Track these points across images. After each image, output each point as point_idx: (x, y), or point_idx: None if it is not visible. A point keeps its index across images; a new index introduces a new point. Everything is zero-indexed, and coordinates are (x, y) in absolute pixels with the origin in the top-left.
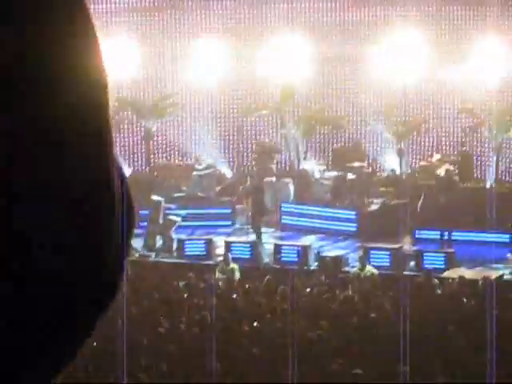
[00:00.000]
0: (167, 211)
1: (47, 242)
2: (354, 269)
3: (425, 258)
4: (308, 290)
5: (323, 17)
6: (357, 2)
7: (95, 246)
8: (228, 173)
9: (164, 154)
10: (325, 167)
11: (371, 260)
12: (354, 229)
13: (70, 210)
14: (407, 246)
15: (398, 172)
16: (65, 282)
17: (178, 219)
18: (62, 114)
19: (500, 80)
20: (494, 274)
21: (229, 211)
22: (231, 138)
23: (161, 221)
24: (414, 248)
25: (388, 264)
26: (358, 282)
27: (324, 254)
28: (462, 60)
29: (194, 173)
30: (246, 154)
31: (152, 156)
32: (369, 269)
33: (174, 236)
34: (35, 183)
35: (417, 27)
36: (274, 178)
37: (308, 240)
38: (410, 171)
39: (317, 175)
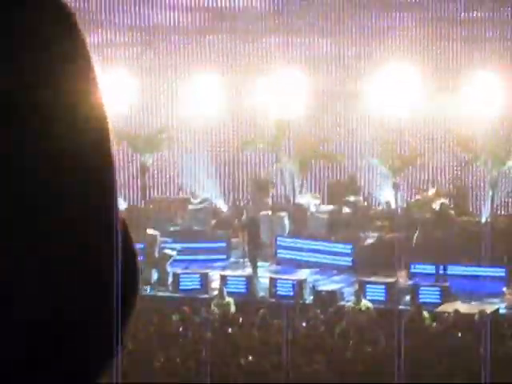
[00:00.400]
0: (163, 245)
1: (49, 300)
2: (350, 303)
3: (420, 292)
4: (303, 324)
5: (320, 51)
6: (353, 37)
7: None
8: (223, 206)
9: (159, 188)
10: (320, 201)
11: (367, 294)
12: (350, 263)
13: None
14: (403, 280)
15: (393, 206)
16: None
17: (174, 253)
18: (63, 166)
19: (495, 114)
20: (489, 309)
21: (224, 245)
22: (227, 171)
23: (156, 254)
24: (410, 282)
25: (383, 298)
26: (353, 317)
27: (319, 289)
28: (457, 94)
29: (190, 206)
30: (241, 187)
31: (147, 190)
32: (364, 303)
33: (170, 270)
34: (34, 239)
35: (413, 62)
36: (269, 212)
37: (303, 274)
38: (405, 205)
39: (312, 209)
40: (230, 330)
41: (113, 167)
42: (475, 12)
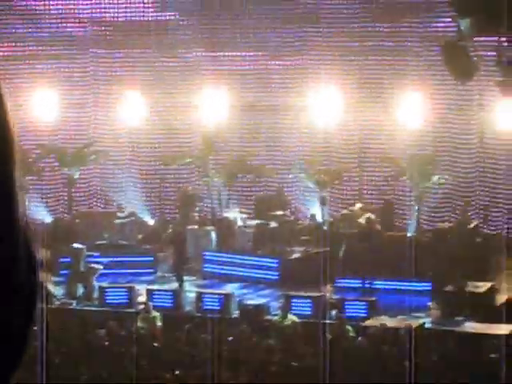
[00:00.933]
0: (89, 259)
1: None
2: (276, 317)
3: (346, 306)
4: (230, 338)
5: (245, 65)
6: (279, 50)
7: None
8: (150, 221)
9: (86, 202)
10: (247, 215)
11: (293, 308)
12: (276, 277)
13: None
14: (329, 294)
15: (319, 220)
16: None
17: (100, 267)
18: None
19: (421, 130)
20: (415, 323)
21: (151, 259)
22: (153, 185)
23: (82, 268)
24: (336, 296)
25: (310, 312)
26: (279, 331)
27: (246, 303)
28: (383, 109)
29: (116, 220)
30: (168, 201)
31: (74, 203)
32: (290, 317)
33: (96, 284)
34: None
35: (340, 76)
36: (196, 226)
37: (230, 288)
38: (331, 219)
39: (239, 223)
40: (156, 344)
41: (9, 167)
42: (401, 25)
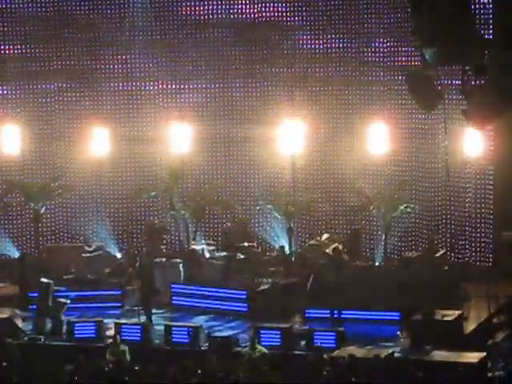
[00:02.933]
0: (56, 293)
1: None
2: (246, 349)
3: (315, 336)
4: (199, 371)
5: (211, 97)
6: (244, 83)
7: None
8: (117, 254)
9: (53, 237)
10: (214, 247)
11: (262, 339)
12: (245, 309)
13: None
14: (298, 325)
15: (287, 251)
16: None
17: (68, 301)
18: None
19: (387, 159)
20: (384, 352)
21: (119, 293)
22: (120, 219)
23: (50, 303)
24: (305, 327)
25: (279, 343)
26: (248, 362)
27: (215, 335)
28: (350, 140)
29: (83, 255)
30: (135, 234)
31: (41, 238)
32: (260, 348)
33: (64, 318)
34: None
35: (306, 108)
36: (163, 259)
37: (199, 320)
38: (299, 250)
39: (207, 255)
40: (126, 378)
41: None
42: (367, 55)
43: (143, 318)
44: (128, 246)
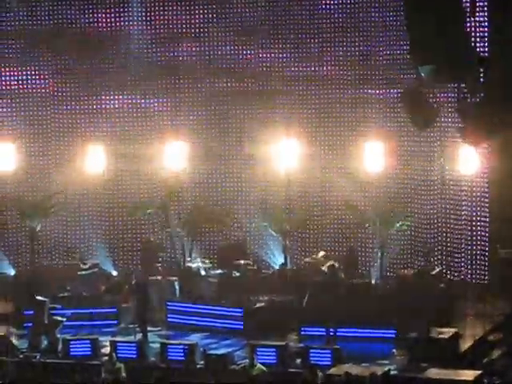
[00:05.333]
0: (52, 311)
1: None
2: (242, 365)
3: (311, 354)
4: None
5: (207, 115)
6: (243, 98)
7: None
8: (113, 272)
9: (48, 254)
10: (210, 265)
11: (258, 357)
12: (241, 326)
13: None
14: (293, 342)
15: (283, 269)
16: None
17: (63, 319)
18: None
19: (383, 177)
20: (379, 370)
21: (114, 310)
22: (116, 236)
23: (46, 321)
24: (300, 345)
25: (274, 361)
26: (246, 380)
27: (210, 352)
28: (345, 157)
29: (79, 272)
30: (131, 252)
31: (36, 255)
32: (258, 366)
33: (59, 336)
34: None
35: (302, 125)
36: (159, 277)
37: (194, 338)
38: (295, 268)
39: (202, 273)
40: None
41: None
42: (362, 73)
43: (139, 336)
44: (123, 264)
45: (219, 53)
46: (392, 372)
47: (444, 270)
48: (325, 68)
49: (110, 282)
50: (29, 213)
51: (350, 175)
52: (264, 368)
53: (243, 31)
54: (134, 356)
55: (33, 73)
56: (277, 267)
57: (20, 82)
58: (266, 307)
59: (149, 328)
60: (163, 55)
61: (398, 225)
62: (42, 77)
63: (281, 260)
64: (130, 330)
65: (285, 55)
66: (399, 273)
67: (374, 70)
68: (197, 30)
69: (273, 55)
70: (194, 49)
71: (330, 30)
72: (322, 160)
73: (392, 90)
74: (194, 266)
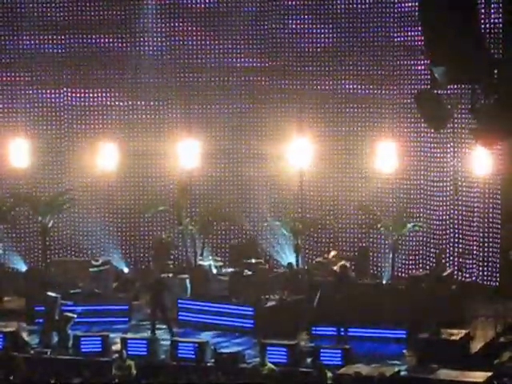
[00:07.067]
0: (63, 308)
1: None
2: (253, 364)
3: (321, 354)
4: None
5: (219, 113)
6: (253, 101)
7: None
8: (124, 269)
9: (60, 250)
10: (222, 263)
11: (268, 356)
12: (251, 325)
13: None
14: (304, 342)
15: (294, 268)
16: None
17: (75, 316)
18: None
19: (395, 177)
20: (390, 371)
21: (125, 307)
22: (128, 233)
23: (57, 317)
24: (311, 344)
25: (285, 360)
26: (257, 379)
27: (221, 351)
28: (358, 158)
29: (91, 269)
30: (142, 249)
31: (48, 252)
32: (269, 366)
33: (70, 332)
34: None
35: (315, 125)
36: (170, 274)
37: (205, 336)
38: (306, 267)
39: (214, 271)
40: None
41: None
42: (376, 73)
43: (149, 333)
44: (135, 261)
45: (230, 51)
46: (402, 373)
47: (455, 272)
48: (340, 67)
49: (122, 278)
50: (41, 209)
51: (363, 175)
52: (274, 367)
53: (254, 29)
54: (145, 353)
55: (45, 69)
56: (285, 266)
57: (34, 76)
58: (277, 306)
59: (159, 326)
60: (174, 54)
61: (410, 226)
62: (56, 72)
63: (292, 259)
64: (140, 327)
65: (299, 54)
66: (411, 273)
67: (390, 70)
68: (208, 29)
69: (287, 54)
70: (205, 46)
71: (345, 28)
72: (335, 160)
73: (406, 91)
74: (205, 264)
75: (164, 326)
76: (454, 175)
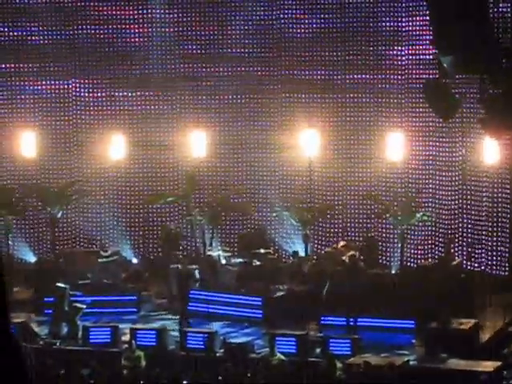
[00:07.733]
0: (72, 298)
1: None
2: (262, 353)
3: (331, 344)
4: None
5: (228, 103)
6: (261, 88)
7: None
8: (134, 259)
9: (69, 241)
10: (230, 254)
11: (277, 346)
12: (260, 315)
13: None
14: (313, 332)
15: (303, 258)
16: None
17: (84, 306)
18: None
19: (404, 167)
20: (399, 360)
21: (134, 298)
22: (137, 224)
23: (66, 308)
24: (320, 334)
25: (294, 350)
26: (265, 369)
27: (230, 341)
28: (367, 147)
29: (100, 260)
30: (151, 240)
31: (57, 243)
32: (278, 356)
33: (80, 323)
34: None
35: (324, 115)
36: (179, 265)
37: (214, 327)
38: (315, 257)
39: (223, 261)
40: (141, 382)
41: None
42: (384, 63)
43: (158, 324)
44: (144, 252)
45: (241, 41)
46: (411, 362)
47: (464, 261)
48: (348, 56)
49: (131, 269)
50: (50, 200)
51: (372, 165)
52: (283, 357)
53: (263, 19)
54: (154, 344)
55: (54, 60)
56: (290, 255)
57: (43, 68)
58: (285, 296)
59: (169, 316)
60: (182, 44)
61: (418, 215)
62: (64, 64)
63: (300, 249)
64: (149, 318)
65: (308, 43)
66: (419, 263)
67: (398, 60)
68: (216, 19)
69: (295, 44)
70: (215, 37)
71: (353, 18)
72: (344, 150)
73: (415, 81)
74: (214, 254)
75: (175, 317)
76: (462, 165)
